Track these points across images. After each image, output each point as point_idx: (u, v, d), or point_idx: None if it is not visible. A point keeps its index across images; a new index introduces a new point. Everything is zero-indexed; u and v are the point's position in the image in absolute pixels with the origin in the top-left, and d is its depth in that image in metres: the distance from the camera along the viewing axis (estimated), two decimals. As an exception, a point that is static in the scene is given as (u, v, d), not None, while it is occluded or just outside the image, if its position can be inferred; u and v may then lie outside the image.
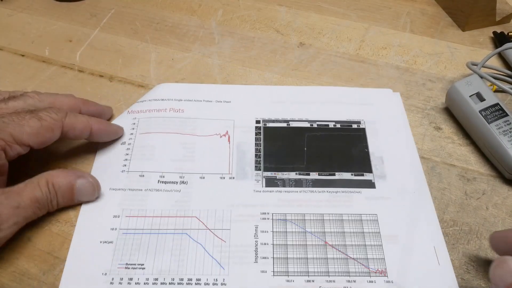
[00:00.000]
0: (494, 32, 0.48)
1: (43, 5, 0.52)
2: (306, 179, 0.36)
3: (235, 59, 0.46)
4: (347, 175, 0.36)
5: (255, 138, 0.38)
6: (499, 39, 0.47)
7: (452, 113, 0.41)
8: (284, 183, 0.36)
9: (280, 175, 0.36)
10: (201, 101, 0.41)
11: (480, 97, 0.38)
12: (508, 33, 0.48)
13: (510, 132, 0.36)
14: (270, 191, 0.35)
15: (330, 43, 0.48)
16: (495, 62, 0.46)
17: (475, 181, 0.37)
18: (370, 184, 0.36)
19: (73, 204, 0.33)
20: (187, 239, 0.32)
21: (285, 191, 0.35)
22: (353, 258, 0.32)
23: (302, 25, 0.50)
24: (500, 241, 0.29)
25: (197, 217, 0.34)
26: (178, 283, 0.30)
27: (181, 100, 0.41)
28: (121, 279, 0.30)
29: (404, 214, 0.34)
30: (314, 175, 0.36)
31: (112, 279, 0.30)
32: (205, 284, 0.30)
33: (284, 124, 0.39)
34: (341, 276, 0.31)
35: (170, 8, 0.52)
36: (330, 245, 0.32)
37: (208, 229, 0.33)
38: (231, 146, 0.38)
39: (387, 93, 0.43)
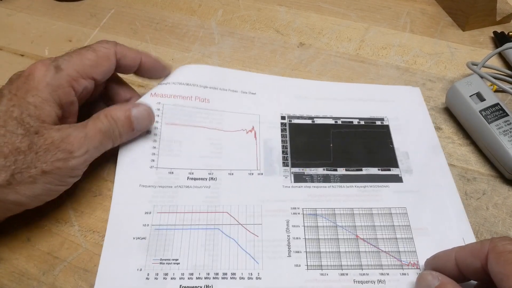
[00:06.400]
0: (494, 32, 0.48)
1: (43, 5, 0.52)
2: (334, 175, 0.36)
3: (235, 59, 0.46)
4: (374, 170, 0.37)
5: (281, 134, 0.39)
6: (499, 39, 0.47)
7: (452, 113, 0.41)
8: (312, 178, 0.36)
9: (308, 170, 0.36)
10: (226, 90, 0.40)
11: (480, 97, 0.38)
12: (508, 33, 0.48)
13: (510, 132, 0.36)
14: (299, 187, 0.35)
15: (330, 43, 0.48)
16: (495, 62, 0.46)
17: (475, 181, 0.37)
18: (397, 179, 0.36)
19: (135, 135, 0.35)
20: (219, 234, 0.33)
21: (314, 186, 0.35)
22: (385, 251, 0.32)
23: (302, 25, 0.50)
24: (428, 262, 0.30)
25: (228, 212, 0.34)
26: (213, 278, 0.31)
27: (207, 87, 0.40)
28: (157, 274, 0.31)
29: (432, 207, 0.35)
30: (341, 171, 0.37)
31: (148, 274, 0.31)
32: (240, 278, 0.31)
33: (309, 121, 0.39)
34: (374, 269, 0.31)
35: (170, 8, 0.52)
36: (361, 238, 0.33)
37: (240, 224, 0.33)
38: (258, 142, 0.38)
39: (408, 89, 0.43)
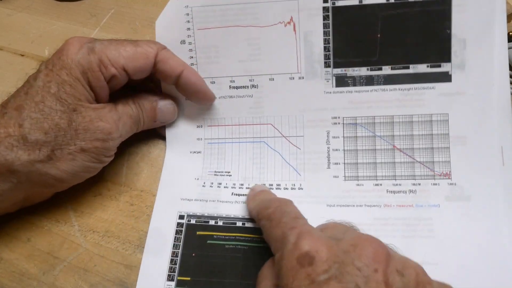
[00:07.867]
0: (494, 32, 0.48)
1: (43, 5, 0.52)
2: (378, 76, 0.34)
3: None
4: (422, 68, 0.34)
5: (323, 24, 0.35)
6: (499, 39, 0.47)
7: (452, 113, 0.41)
8: (354, 81, 0.35)
9: (350, 71, 0.35)
10: None
11: (480, 97, 0.38)
12: (508, 33, 0.48)
13: (510, 132, 0.36)
14: (341, 92, 0.35)
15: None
16: (495, 62, 0.46)
17: (475, 181, 0.37)
18: (446, 77, 0.34)
19: (155, 126, 0.36)
20: (265, 147, 0.35)
21: (356, 91, 0.35)
22: (420, 162, 0.33)
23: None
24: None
25: (272, 124, 0.35)
26: None
27: None
28: (212, 183, 0.35)
29: (477, 111, 0.33)
30: (386, 70, 0.34)
31: (204, 183, 0.35)
32: (284, 189, 0.34)
33: (356, 1, 0.34)
34: (407, 179, 0.33)
35: (170, 8, 0.52)
36: (398, 149, 0.34)
37: (284, 136, 0.35)
38: (298, 37, 0.35)
39: None
